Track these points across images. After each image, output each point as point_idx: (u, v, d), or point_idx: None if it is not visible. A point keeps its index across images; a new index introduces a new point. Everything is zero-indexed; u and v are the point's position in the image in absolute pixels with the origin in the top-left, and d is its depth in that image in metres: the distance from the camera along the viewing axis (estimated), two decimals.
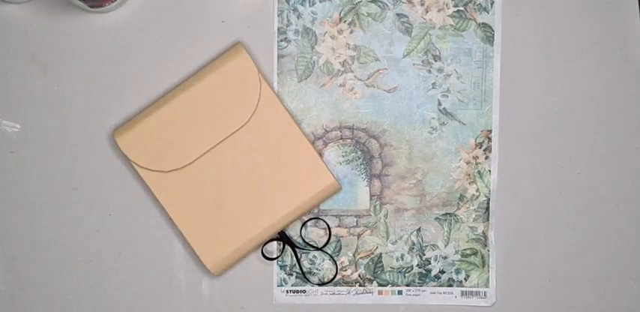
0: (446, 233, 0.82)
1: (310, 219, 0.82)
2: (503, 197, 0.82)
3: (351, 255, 0.82)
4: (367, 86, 0.81)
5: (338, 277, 0.82)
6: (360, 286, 0.82)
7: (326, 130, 0.82)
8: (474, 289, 0.82)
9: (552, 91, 0.82)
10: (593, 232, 0.83)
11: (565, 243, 0.83)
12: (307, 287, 0.82)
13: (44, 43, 0.80)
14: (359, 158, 0.82)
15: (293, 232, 0.82)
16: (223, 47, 0.81)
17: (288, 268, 0.82)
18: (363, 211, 0.82)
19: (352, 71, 0.81)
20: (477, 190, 0.82)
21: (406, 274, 0.82)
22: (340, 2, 0.81)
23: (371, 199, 0.82)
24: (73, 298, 0.81)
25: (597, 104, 0.83)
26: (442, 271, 0.82)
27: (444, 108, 0.82)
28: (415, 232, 0.82)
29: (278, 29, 0.81)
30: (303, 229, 0.82)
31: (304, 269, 0.81)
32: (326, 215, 0.82)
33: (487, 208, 0.82)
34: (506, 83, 0.82)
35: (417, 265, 0.82)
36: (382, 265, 0.82)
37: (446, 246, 0.82)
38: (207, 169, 0.78)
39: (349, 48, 0.81)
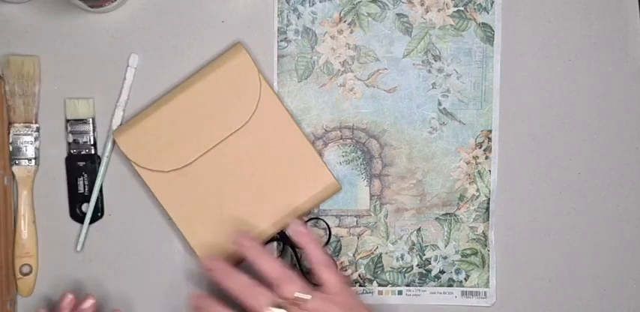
0: (446, 233, 0.82)
1: (310, 219, 0.82)
2: (503, 197, 0.82)
3: (351, 255, 0.82)
4: (367, 86, 0.81)
5: None
6: (360, 286, 0.82)
7: (326, 130, 0.82)
8: (474, 289, 0.82)
9: (552, 91, 0.82)
10: (593, 232, 0.83)
11: (565, 243, 0.83)
12: None
13: (44, 43, 0.80)
14: (359, 158, 0.82)
15: None
16: (223, 47, 0.81)
17: None
18: (363, 211, 0.82)
19: (352, 71, 0.81)
20: (477, 190, 0.82)
21: (406, 274, 0.82)
22: (340, 2, 0.81)
23: (371, 199, 0.82)
24: None
25: (597, 104, 0.82)
26: (442, 271, 0.82)
27: (444, 108, 0.82)
28: (415, 232, 0.82)
29: (278, 29, 0.81)
30: None
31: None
32: (326, 215, 0.82)
33: (487, 208, 0.82)
34: (506, 83, 0.82)
35: (417, 265, 0.82)
36: (382, 265, 0.82)
37: (446, 246, 0.82)
38: (207, 169, 0.78)
39: (349, 48, 0.81)
